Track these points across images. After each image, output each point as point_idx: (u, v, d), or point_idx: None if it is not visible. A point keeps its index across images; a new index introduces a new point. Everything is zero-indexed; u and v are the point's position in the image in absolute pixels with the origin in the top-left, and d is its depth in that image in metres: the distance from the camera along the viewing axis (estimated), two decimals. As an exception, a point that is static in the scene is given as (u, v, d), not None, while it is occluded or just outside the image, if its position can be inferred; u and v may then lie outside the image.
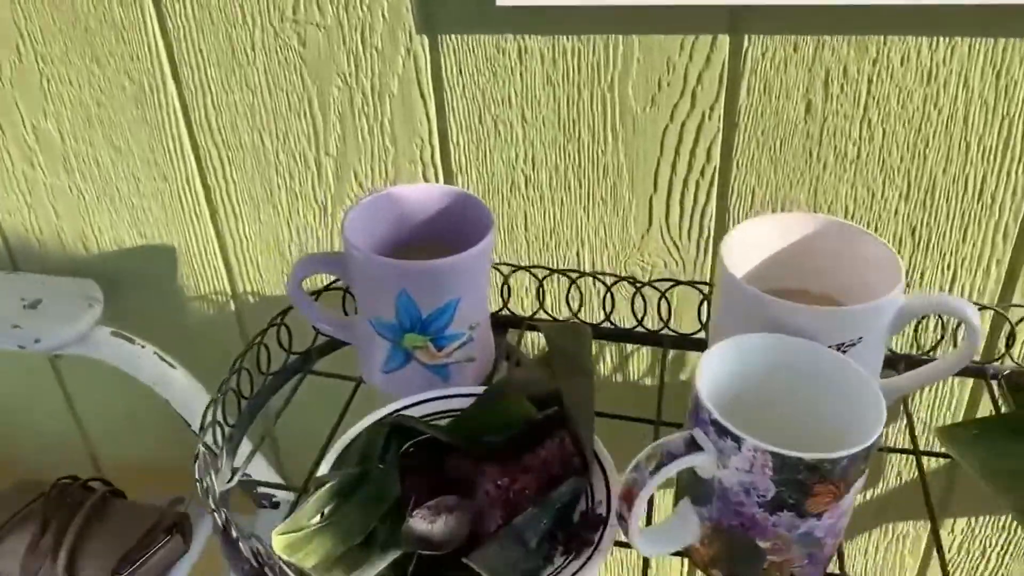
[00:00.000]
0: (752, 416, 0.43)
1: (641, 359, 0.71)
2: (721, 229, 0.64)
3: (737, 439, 0.40)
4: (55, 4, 0.64)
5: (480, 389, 0.54)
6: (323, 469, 0.48)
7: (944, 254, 0.62)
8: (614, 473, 0.48)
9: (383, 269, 0.51)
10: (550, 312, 0.68)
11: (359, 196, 0.68)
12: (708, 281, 0.64)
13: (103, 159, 0.71)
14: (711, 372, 0.44)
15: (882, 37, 0.55)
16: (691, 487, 0.44)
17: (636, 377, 0.72)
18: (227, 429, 0.53)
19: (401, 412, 0.53)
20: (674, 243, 0.65)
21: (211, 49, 0.64)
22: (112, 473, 0.85)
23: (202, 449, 0.48)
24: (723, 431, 0.40)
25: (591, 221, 0.66)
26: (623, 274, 0.67)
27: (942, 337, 0.63)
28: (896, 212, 0.61)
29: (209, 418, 0.50)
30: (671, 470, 0.41)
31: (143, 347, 0.72)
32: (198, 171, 0.70)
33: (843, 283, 0.52)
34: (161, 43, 0.64)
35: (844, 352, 0.46)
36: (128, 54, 0.65)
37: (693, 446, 0.41)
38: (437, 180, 0.66)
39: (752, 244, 0.53)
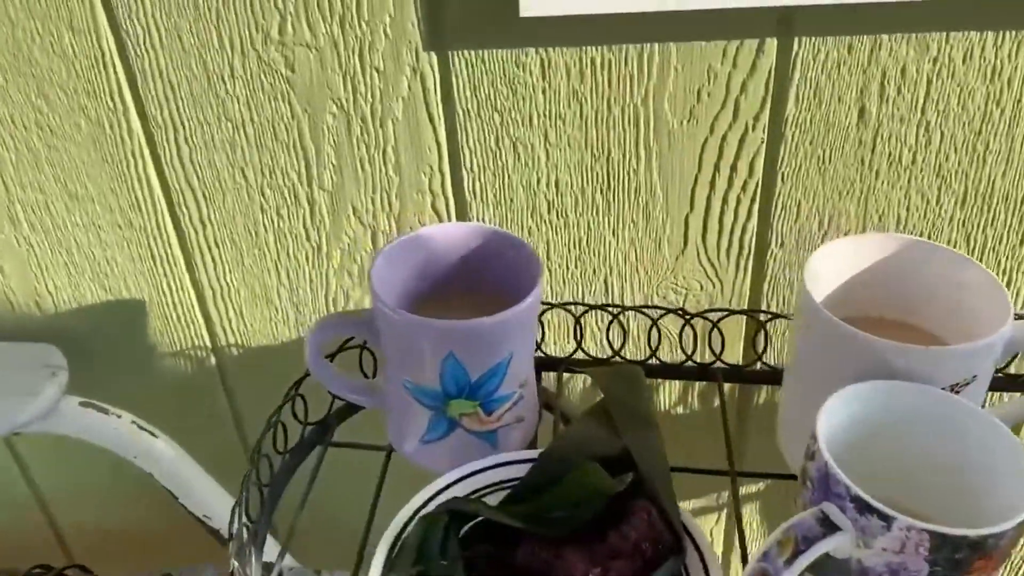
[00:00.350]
0: (865, 471, 0.38)
1: (691, 396, 0.66)
2: (762, 246, 0.59)
3: (886, 517, 0.34)
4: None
5: (533, 454, 0.48)
6: (375, 573, 0.42)
7: (1000, 259, 0.58)
8: (709, 550, 0.42)
9: (425, 331, 0.44)
10: (587, 350, 0.62)
11: (356, 234, 0.60)
12: (761, 308, 0.59)
13: (56, 207, 0.61)
14: (829, 429, 0.39)
15: (944, 34, 0.50)
16: (818, 565, 0.39)
17: (688, 417, 0.67)
18: (250, 525, 0.45)
19: (450, 489, 0.46)
20: (711, 263, 0.60)
21: (182, 79, 0.55)
22: (85, 553, 0.76)
23: (235, 564, 0.41)
24: (866, 508, 0.35)
25: (621, 245, 0.60)
26: (656, 299, 0.61)
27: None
28: (952, 219, 0.57)
29: (236, 524, 0.43)
30: (808, 558, 0.35)
31: (119, 416, 0.64)
32: (169, 215, 0.61)
33: (934, 311, 0.47)
34: (123, 75, 0.55)
35: (958, 392, 0.42)
36: (83, 89, 0.56)
37: (829, 526, 0.36)
38: (448, 210, 0.59)
39: (831, 270, 0.48)
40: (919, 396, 0.40)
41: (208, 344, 0.68)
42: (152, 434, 0.64)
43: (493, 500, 0.46)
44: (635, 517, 0.43)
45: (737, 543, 0.48)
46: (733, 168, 0.56)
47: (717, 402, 0.67)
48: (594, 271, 0.61)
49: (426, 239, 0.49)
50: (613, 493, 0.44)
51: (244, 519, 0.44)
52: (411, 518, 0.45)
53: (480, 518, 0.45)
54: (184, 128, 0.57)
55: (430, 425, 0.48)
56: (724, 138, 0.55)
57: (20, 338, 0.67)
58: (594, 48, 0.52)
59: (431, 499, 0.46)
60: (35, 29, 0.54)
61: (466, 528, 0.44)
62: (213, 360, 0.69)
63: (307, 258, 0.62)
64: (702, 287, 0.61)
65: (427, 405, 0.47)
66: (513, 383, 0.47)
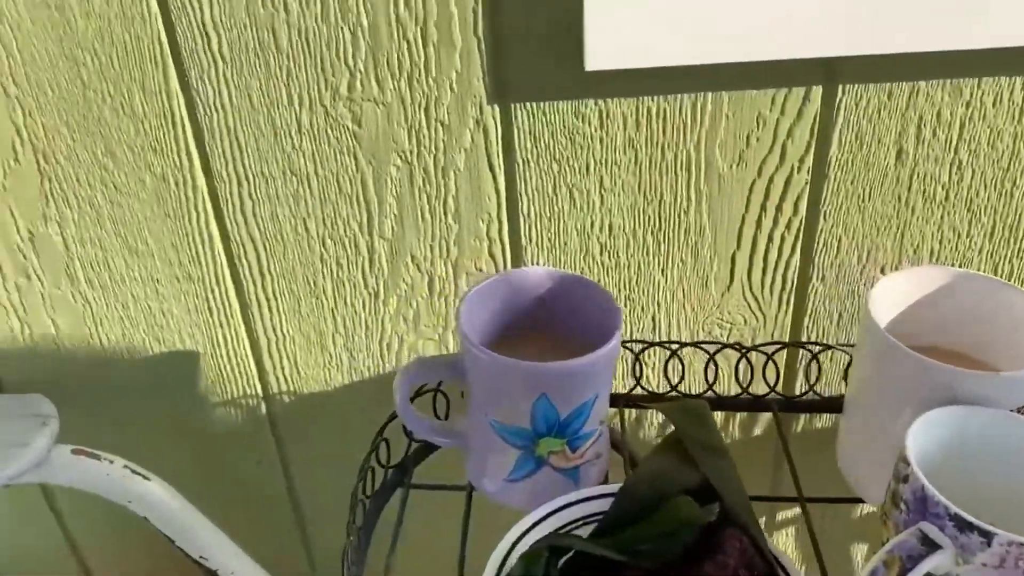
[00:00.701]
0: (952, 491, 0.41)
1: (732, 426, 0.68)
2: (804, 281, 0.62)
3: (986, 534, 0.37)
4: (62, 96, 0.55)
5: (614, 488, 0.50)
6: (484, 609, 0.43)
7: (1026, 287, 0.62)
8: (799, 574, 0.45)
9: (519, 373, 0.46)
10: (646, 386, 0.64)
11: (413, 280, 0.62)
12: (803, 340, 0.62)
13: (115, 263, 0.62)
14: (918, 451, 0.41)
15: (976, 80, 0.54)
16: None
17: (745, 448, 0.69)
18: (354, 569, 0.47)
19: (541, 525, 0.48)
20: (755, 299, 0.63)
21: (249, 135, 0.57)
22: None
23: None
24: (966, 525, 0.37)
25: (669, 283, 0.62)
26: (701, 334, 0.64)
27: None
28: (981, 250, 0.60)
29: (346, 571, 0.44)
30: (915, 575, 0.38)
31: (111, 462, 0.62)
32: (229, 267, 0.63)
33: (985, 339, 0.50)
34: (190, 132, 0.57)
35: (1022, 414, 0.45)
36: (149, 147, 0.57)
37: (930, 545, 0.38)
38: (504, 255, 0.61)
39: (887, 302, 0.51)
40: (995, 420, 0.43)
41: (259, 392, 0.69)
42: (145, 477, 0.63)
43: (581, 534, 0.48)
44: (728, 545, 0.45)
45: (818, 568, 0.50)
46: (778, 208, 0.59)
47: (758, 431, 0.69)
48: (642, 308, 0.64)
49: (510, 282, 0.51)
50: (704, 523, 0.46)
51: (351, 565, 0.45)
52: (508, 554, 0.46)
53: (574, 552, 0.46)
54: (248, 182, 0.59)
55: (517, 463, 0.49)
56: (771, 180, 0.58)
57: (69, 387, 0.67)
58: (650, 98, 0.55)
59: (524, 535, 0.47)
60: (106, 90, 0.55)
61: (561, 563, 0.46)
62: (264, 408, 0.70)
63: (364, 305, 0.64)
64: (746, 321, 0.64)
65: (515, 444, 0.49)
66: (596, 420, 0.49)
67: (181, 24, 0.53)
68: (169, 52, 0.54)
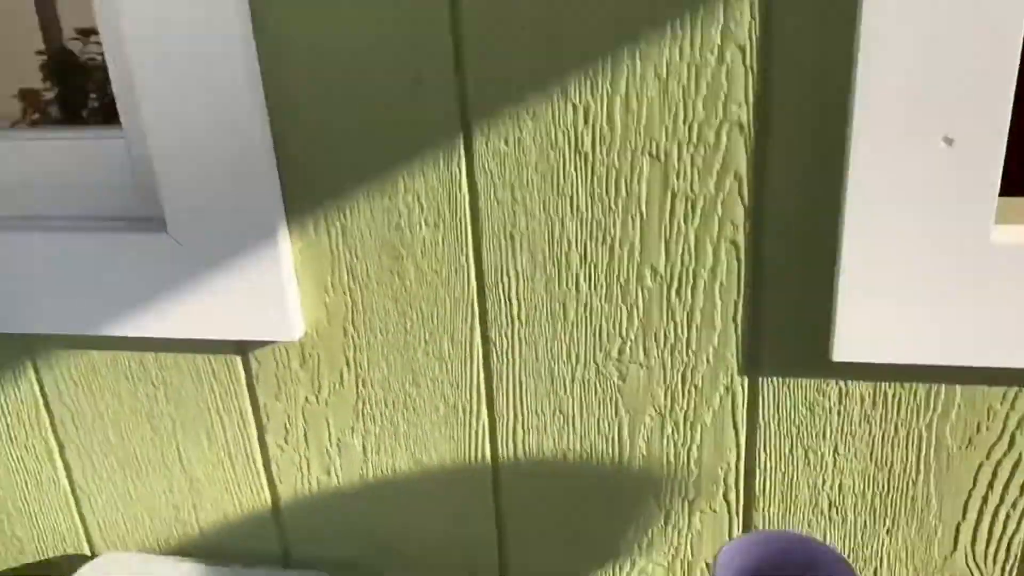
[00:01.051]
0: None
1: None
2: (1029, 556, 0.65)
3: None
4: (387, 339, 0.69)
5: None
6: None
7: None
8: None
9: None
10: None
11: (652, 511, 0.70)
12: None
13: (401, 468, 0.74)
14: None
15: None
16: None
17: None
18: None
19: None
20: (978, 566, 0.66)
21: (530, 379, 0.68)
22: None
23: None
24: None
25: (893, 544, 0.67)
26: (921, 593, 0.68)
27: None
28: None
29: None
30: None
31: None
32: (492, 486, 0.73)
33: None
34: (482, 375, 0.69)
35: None
36: (448, 381, 0.70)
37: None
38: (737, 501, 0.69)
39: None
40: None
41: (499, 591, 0.78)
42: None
43: None
44: None
45: None
46: (1005, 488, 0.63)
47: None
48: (865, 562, 0.68)
49: (756, 541, 0.59)
50: None
51: None
52: None
53: None
54: (522, 417, 0.70)
55: None
56: (999, 463, 0.63)
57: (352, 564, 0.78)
58: (887, 384, 0.62)
59: None
60: (424, 336, 0.69)
61: None
62: (500, 605, 0.78)
63: (600, 525, 0.72)
64: (967, 586, 0.67)
65: None
66: None
67: (493, 294, 0.66)
68: (478, 313, 0.67)
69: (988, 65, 0.51)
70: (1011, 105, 0.52)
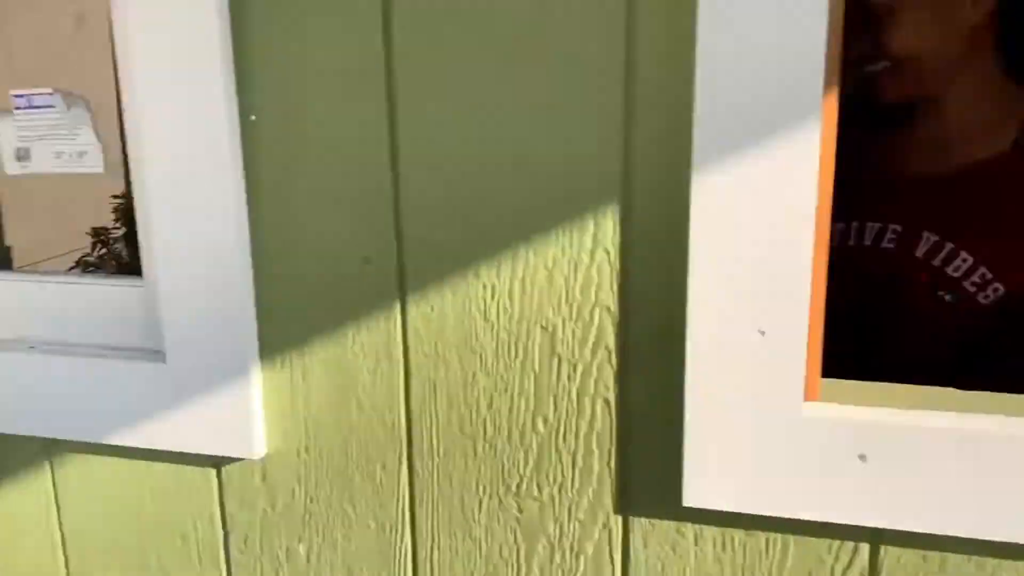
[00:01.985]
0: None
1: None
2: None
3: None
4: (331, 462, 0.83)
5: None
6: None
7: None
8: None
9: None
10: None
11: (547, 633, 0.81)
12: None
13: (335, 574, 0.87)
14: None
15: (999, 560, 0.68)
16: None
17: None
18: None
19: None
20: None
21: (445, 508, 0.81)
22: None
23: None
24: None
25: (748, 678, 0.76)
26: None
27: None
28: None
29: None
30: None
31: None
32: (413, 596, 0.85)
33: None
34: (407, 500, 0.82)
35: None
36: (378, 504, 0.83)
37: None
38: (616, 627, 0.79)
39: None
40: None
41: None
42: None
43: None
44: None
45: None
46: (838, 632, 0.73)
47: None
48: None
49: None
50: None
51: None
52: None
53: None
54: (440, 539, 0.82)
55: None
56: (831, 608, 0.73)
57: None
58: (734, 529, 0.74)
59: None
60: (362, 463, 0.83)
61: None
62: None
63: (505, 645, 0.83)
64: None
65: None
66: None
67: (417, 429, 0.80)
68: (405, 445, 0.81)
69: (790, 269, 0.66)
70: (808, 304, 0.67)
